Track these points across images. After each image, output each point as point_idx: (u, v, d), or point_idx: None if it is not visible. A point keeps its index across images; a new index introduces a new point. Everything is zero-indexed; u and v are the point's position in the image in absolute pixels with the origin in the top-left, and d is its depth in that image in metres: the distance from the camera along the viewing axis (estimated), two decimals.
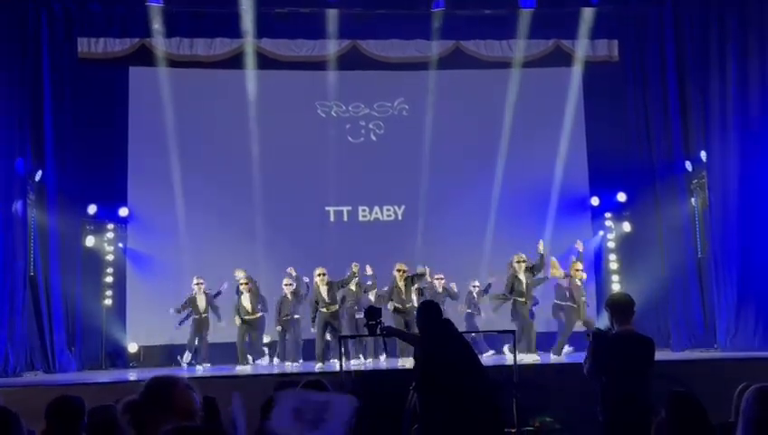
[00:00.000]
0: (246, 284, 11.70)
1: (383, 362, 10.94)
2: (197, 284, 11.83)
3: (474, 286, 12.56)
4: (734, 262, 11.34)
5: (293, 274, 11.72)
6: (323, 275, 11.48)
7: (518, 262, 11.26)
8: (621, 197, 13.50)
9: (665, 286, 12.61)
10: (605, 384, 5.36)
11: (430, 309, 6.15)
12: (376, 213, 13.85)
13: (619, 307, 5.53)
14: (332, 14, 12.88)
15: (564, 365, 9.88)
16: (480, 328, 12.01)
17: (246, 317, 11.68)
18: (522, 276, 11.14)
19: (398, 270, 11.35)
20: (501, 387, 7.19)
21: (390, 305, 11.11)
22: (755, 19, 11.71)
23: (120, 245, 13.18)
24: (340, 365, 8.77)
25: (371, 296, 11.77)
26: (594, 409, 5.38)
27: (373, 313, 6.90)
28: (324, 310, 11.39)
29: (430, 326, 5.98)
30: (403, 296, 11.18)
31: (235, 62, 13.25)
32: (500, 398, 6.56)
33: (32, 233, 11.69)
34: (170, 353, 12.50)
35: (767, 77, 11.56)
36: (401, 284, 11.25)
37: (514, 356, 8.37)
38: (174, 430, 1.93)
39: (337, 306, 11.56)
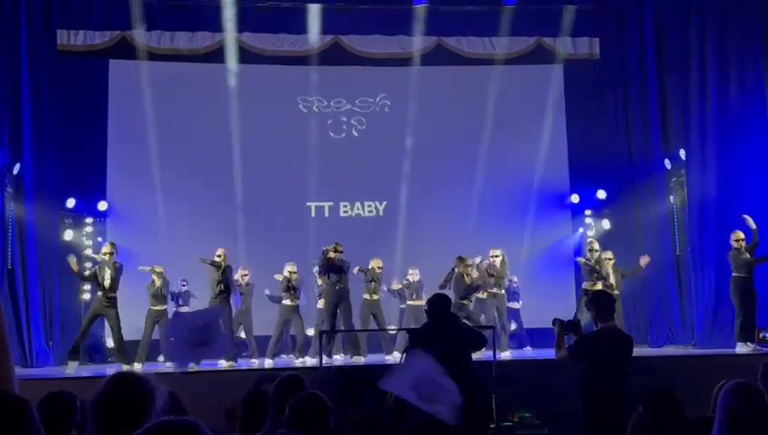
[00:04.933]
0: None
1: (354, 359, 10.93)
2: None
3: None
4: (712, 259, 11.44)
5: None
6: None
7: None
8: (601, 194, 13.58)
9: (643, 283, 12.70)
10: (586, 378, 5.42)
11: (437, 302, 6.16)
12: (357, 209, 13.84)
13: (602, 304, 5.62)
14: (315, 9, 12.85)
15: (542, 361, 9.91)
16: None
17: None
18: None
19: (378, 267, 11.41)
20: (486, 385, 7.22)
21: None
22: (734, 19, 11.83)
23: (99, 239, 13.08)
24: (320, 360, 8.77)
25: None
26: (572, 404, 5.43)
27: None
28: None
29: (431, 319, 6.02)
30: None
31: (216, 55, 13.17)
32: (486, 396, 6.60)
33: (9, 226, 11.56)
34: (150, 348, 12.40)
35: (746, 76, 11.71)
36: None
37: (494, 352, 8.39)
38: (155, 425, 1.91)
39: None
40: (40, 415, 3.92)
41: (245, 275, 11.82)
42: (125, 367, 9.86)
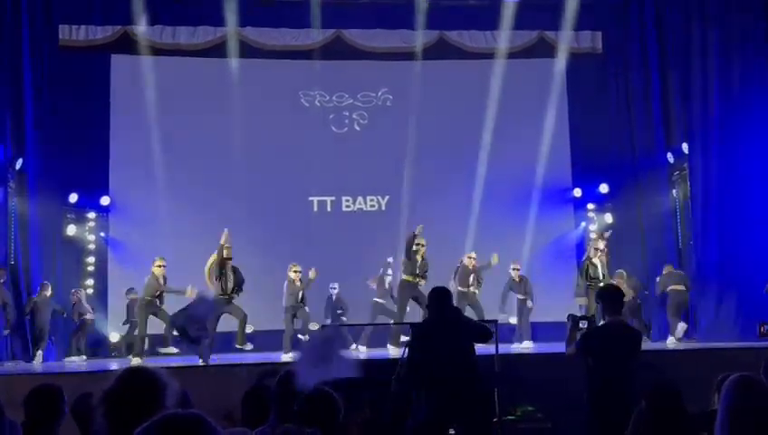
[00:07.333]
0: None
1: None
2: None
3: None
4: (715, 253, 11.41)
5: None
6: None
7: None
8: (603, 188, 13.57)
9: (646, 277, 12.68)
10: (592, 372, 5.42)
11: (438, 296, 6.13)
12: (359, 203, 13.83)
13: (610, 298, 5.62)
14: (316, 4, 12.83)
15: (545, 355, 9.91)
16: None
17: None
18: None
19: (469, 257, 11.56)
20: (488, 379, 7.20)
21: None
22: (736, 13, 11.77)
23: (102, 234, 13.11)
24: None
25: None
26: (577, 398, 5.42)
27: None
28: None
29: (433, 313, 6.01)
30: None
31: (218, 50, 13.18)
32: (488, 390, 6.59)
33: (12, 221, 11.58)
34: (152, 343, 12.41)
35: (748, 70, 11.65)
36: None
37: (496, 346, 8.37)
38: (161, 418, 1.90)
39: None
40: (26, 408, 3.93)
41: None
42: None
